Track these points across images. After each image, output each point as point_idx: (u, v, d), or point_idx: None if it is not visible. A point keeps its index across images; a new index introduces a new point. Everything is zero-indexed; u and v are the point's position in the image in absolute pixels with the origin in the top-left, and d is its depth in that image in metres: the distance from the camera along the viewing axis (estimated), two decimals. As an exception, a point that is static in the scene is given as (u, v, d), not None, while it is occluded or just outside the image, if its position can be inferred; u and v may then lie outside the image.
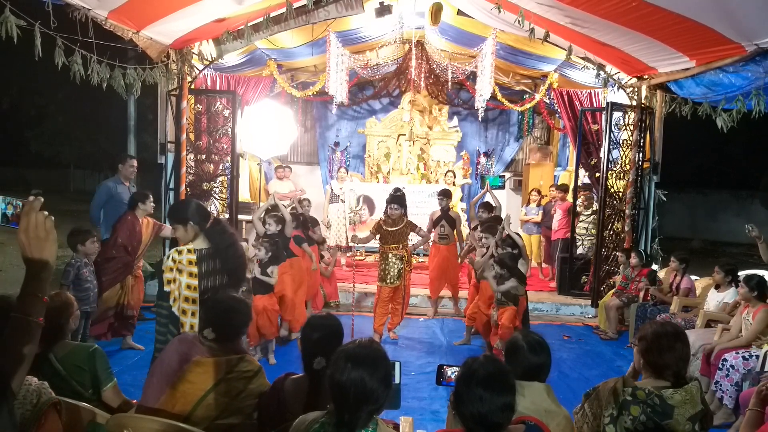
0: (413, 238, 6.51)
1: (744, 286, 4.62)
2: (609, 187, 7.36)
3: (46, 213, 1.61)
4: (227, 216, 7.66)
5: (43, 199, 1.65)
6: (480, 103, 8.32)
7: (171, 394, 2.36)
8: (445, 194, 7.07)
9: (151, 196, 5.86)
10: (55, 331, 2.70)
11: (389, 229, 6.05)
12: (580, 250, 7.87)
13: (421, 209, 8.86)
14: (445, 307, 7.53)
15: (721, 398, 4.37)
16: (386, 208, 6.15)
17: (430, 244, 7.23)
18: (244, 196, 9.43)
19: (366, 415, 1.85)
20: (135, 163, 6.47)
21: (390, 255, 6.04)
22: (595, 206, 7.73)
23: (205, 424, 2.34)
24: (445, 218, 6.99)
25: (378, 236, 6.18)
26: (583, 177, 8.14)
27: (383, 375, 1.87)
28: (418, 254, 10.18)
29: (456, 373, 2.27)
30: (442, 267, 7.06)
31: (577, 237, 7.86)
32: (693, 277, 6.41)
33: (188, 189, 7.40)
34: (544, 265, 9.20)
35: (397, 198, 6.08)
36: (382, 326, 6.16)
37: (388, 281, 6.02)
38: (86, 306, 4.91)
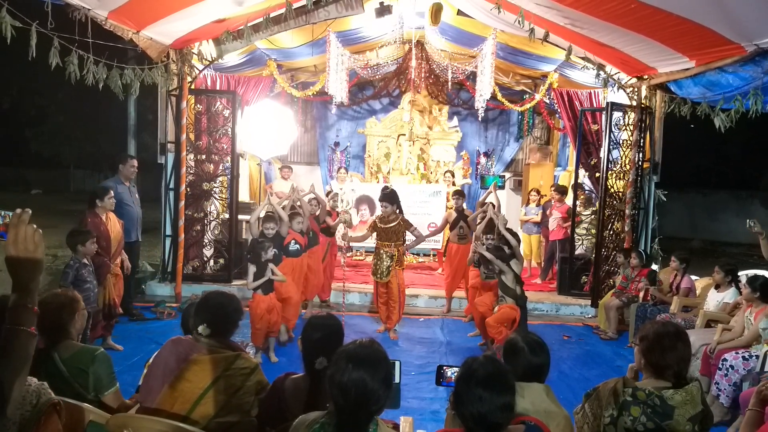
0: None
1: (747, 287, 4.63)
2: (609, 187, 7.36)
3: (35, 226, 1.62)
4: (227, 216, 7.68)
5: (30, 211, 1.65)
6: (480, 103, 8.32)
7: (170, 393, 2.36)
8: (460, 194, 7.32)
9: (111, 191, 5.59)
10: (58, 329, 2.69)
11: (383, 226, 6.16)
12: (580, 251, 7.87)
13: (422, 209, 8.86)
14: (445, 306, 7.52)
15: (717, 396, 4.37)
16: None
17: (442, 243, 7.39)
18: (243, 196, 9.43)
19: (367, 416, 1.85)
20: (135, 163, 6.47)
21: (382, 251, 6.15)
22: (595, 206, 7.75)
23: (205, 423, 2.34)
24: (462, 218, 7.13)
25: (375, 234, 6.26)
26: (583, 177, 8.14)
27: (384, 375, 1.87)
28: (417, 254, 10.20)
29: (456, 374, 2.27)
30: (460, 266, 7.12)
31: (577, 237, 7.86)
32: (693, 277, 6.41)
33: (188, 189, 7.41)
34: (533, 264, 9.21)
35: (386, 196, 6.17)
36: (383, 320, 6.31)
37: (377, 276, 6.16)
38: (87, 306, 4.90)
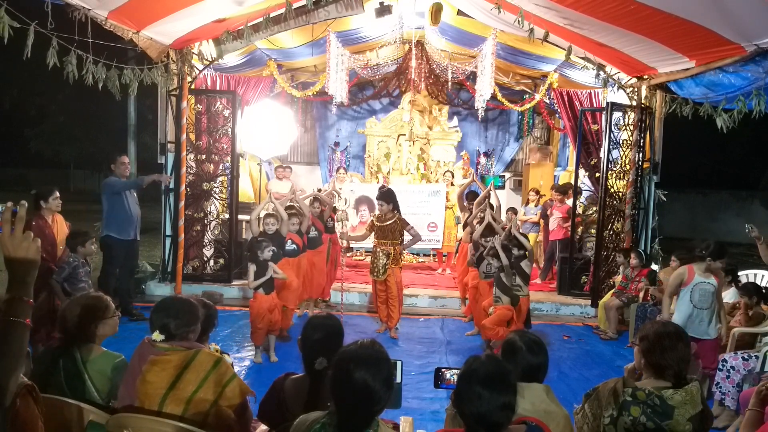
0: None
1: (744, 296, 4.77)
2: (609, 187, 7.36)
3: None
4: (227, 216, 7.67)
5: (27, 204, 1.69)
6: (480, 103, 8.32)
7: (137, 396, 2.38)
8: (474, 196, 7.40)
9: (56, 191, 5.25)
10: (81, 331, 2.68)
11: (379, 224, 6.20)
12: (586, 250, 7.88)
13: (422, 209, 8.85)
14: (445, 307, 7.53)
15: (722, 400, 4.35)
16: None
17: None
18: (249, 194, 9.42)
19: (368, 416, 1.85)
20: (126, 160, 6.46)
21: (378, 250, 6.19)
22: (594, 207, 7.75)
23: (177, 419, 2.33)
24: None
25: (373, 233, 6.30)
26: (583, 177, 8.13)
27: (385, 376, 1.87)
28: (417, 254, 10.20)
29: (455, 375, 2.26)
30: None
31: (580, 238, 7.87)
32: (693, 277, 6.40)
33: (188, 189, 7.41)
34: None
35: (383, 194, 6.21)
36: (383, 319, 6.32)
37: (374, 274, 6.21)
38: None
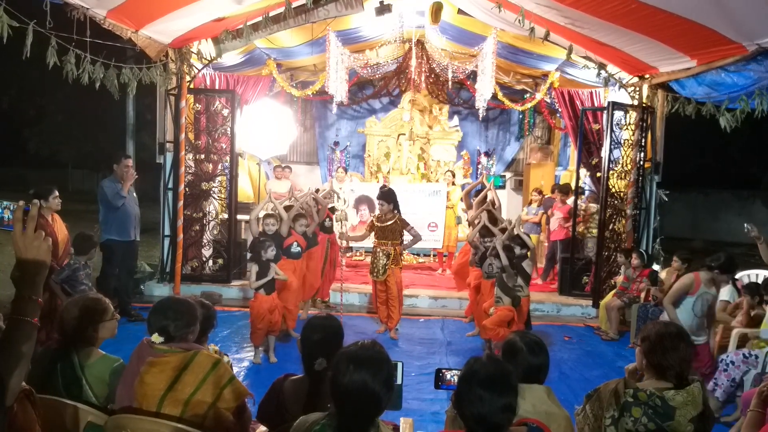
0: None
1: (747, 295, 4.81)
2: (610, 187, 7.34)
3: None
4: (226, 216, 7.65)
5: (38, 203, 1.69)
6: (480, 103, 8.30)
7: (136, 398, 2.36)
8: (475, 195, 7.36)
9: (55, 190, 5.21)
10: (79, 334, 2.64)
11: (379, 224, 6.19)
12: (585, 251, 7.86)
13: (422, 209, 8.84)
14: (445, 307, 7.51)
15: (713, 390, 4.36)
16: None
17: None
18: (248, 194, 9.40)
19: (368, 417, 1.84)
20: (130, 162, 6.44)
21: (378, 250, 6.17)
22: (595, 206, 7.73)
23: (175, 420, 2.32)
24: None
25: (373, 233, 6.29)
26: (585, 177, 8.11)
27: (386, 377, 1.85)
28: (417, 254, 10.18)
29: (456, 376, 2.25)
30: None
31: (581, 238, 7.85)
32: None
33: (187, 189, 7.39)
34: (538, 264, 9.20)
35: (383, 194, 6.20)
36: (383, 320, 6.30)
37: (374, 275, 6.20)
38: None
